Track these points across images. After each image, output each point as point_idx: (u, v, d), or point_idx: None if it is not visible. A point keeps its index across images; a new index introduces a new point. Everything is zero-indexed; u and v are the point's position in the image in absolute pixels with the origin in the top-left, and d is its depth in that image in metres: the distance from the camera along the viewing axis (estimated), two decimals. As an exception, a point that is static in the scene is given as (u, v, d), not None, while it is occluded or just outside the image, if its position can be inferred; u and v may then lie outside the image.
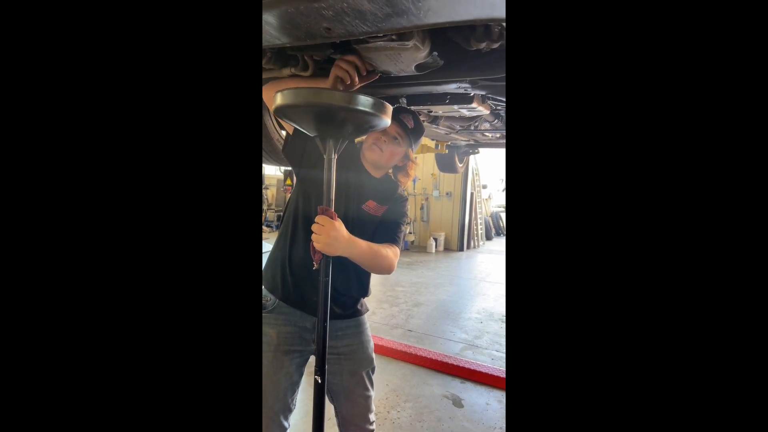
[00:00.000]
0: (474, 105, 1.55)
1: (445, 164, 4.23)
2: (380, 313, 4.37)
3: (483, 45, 0.98)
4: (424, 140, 3.97)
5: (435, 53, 1.11)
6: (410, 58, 1.07)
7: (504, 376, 2.91)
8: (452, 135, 2.74)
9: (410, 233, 8.25)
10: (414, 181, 8.59)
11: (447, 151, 3.94)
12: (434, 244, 8.58)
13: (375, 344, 3.48)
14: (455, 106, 1.59)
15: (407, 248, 8.17)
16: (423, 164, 8.71)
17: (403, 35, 0.95)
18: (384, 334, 3.62)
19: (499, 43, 0.99)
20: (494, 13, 0.74)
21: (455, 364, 3.04)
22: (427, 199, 9.14)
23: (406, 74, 1.19)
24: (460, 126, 2.33)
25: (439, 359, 3.10)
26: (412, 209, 8.52)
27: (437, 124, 2.12)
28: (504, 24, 0.88)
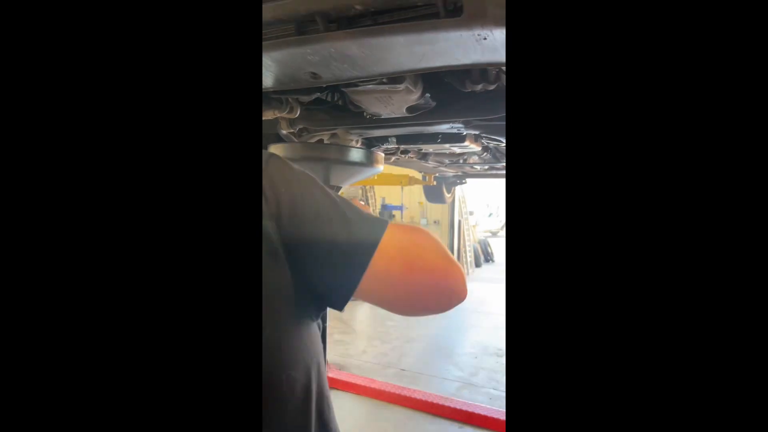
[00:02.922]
0: (466, 143, 1.50)
1: (433, 195, 4.21)
2: (372, 351, 4.20)
3: (479, 87, 0.93)
4: (412, 172, 3.95)
5: (428, 95, 1.05)
6: (401, 100, 1.01)
7: (504, 417, 2.79)
8: (441, 168, 2.71)
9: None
10: (401, 209, 8.56)
11: (435, 182, 3.91)
12: (424, 273, 8.38)
13: (366, 387, 3.36)
14: (447, 145, 1.54)
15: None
16: (410, 193, 8.68)
17: (394, 78, 0.90)
18: (376, 375, 3.45)
19: (495, 85, 0.94)
20: (495, 57, 0.69)
21: (452, 406, 2.90)
22: (415, 227, 9.02)
23: (396, 116, 1.13)
24: (450, 161, 2.29)
25: (434, 401, 2.95)
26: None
27: (427, 161, 2.07)
28: (503, 68, 0.83)
